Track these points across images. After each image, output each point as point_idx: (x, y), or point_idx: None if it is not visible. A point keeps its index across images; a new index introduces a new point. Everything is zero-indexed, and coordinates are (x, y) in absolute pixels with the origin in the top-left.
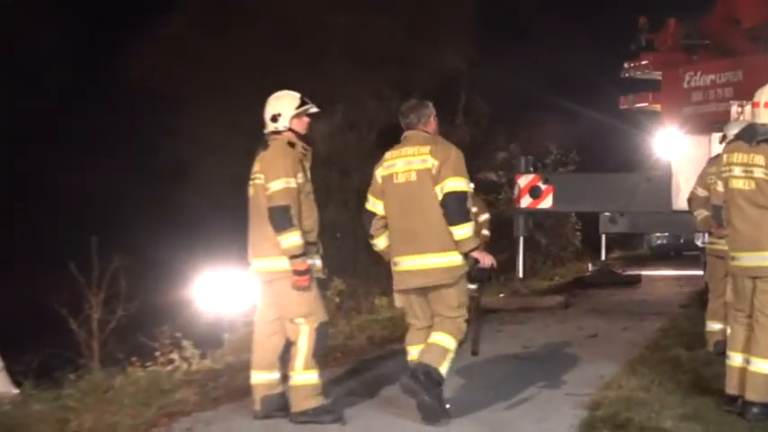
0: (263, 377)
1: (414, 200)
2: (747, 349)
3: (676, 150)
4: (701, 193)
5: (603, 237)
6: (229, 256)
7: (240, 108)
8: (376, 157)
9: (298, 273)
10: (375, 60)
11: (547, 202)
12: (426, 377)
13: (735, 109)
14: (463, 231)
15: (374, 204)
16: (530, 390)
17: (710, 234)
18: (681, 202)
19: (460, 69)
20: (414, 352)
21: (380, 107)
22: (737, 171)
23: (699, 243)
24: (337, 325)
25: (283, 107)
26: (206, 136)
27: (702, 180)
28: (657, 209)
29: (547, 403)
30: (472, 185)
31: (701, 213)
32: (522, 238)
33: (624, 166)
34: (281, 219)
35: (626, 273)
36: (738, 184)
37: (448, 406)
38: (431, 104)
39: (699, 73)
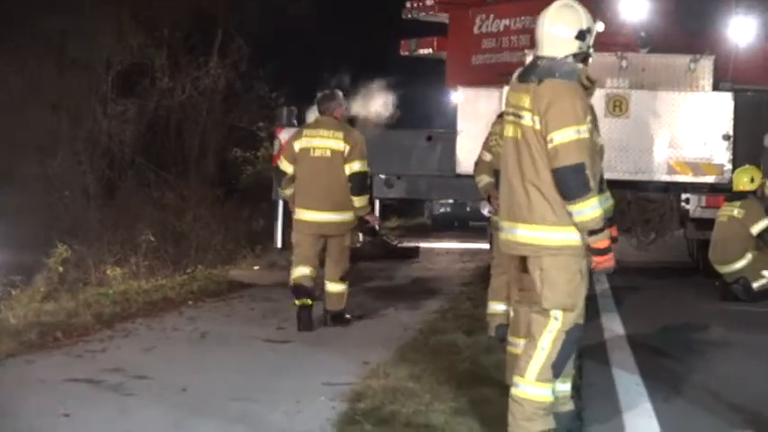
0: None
1: (326, 171)
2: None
3: (463, 106)
4: (486, 156)
5: (378, 202)
6: None
7: None
8: (116, 102)
9: (598, 252)
10: None
11: None
12: (335, 320)
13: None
14: (362, 201)
15: (286, 166)
16: (281, 378)
17: (490, 202)
18: (466, 165)
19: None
20: (300, 270)
21: (120, 45)
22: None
23: (485, 212)
24: (59, 299)
25: (591, 21)
26: None
27: (487, 142)
28: (439, 172)
29: (301, 394)
30: None
31: (483, 180)
32: (281, 202)
33: (410, 121)
34: (575, 182)
35: (402, 245)
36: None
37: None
38: (340, 95)
39: (491, 17)
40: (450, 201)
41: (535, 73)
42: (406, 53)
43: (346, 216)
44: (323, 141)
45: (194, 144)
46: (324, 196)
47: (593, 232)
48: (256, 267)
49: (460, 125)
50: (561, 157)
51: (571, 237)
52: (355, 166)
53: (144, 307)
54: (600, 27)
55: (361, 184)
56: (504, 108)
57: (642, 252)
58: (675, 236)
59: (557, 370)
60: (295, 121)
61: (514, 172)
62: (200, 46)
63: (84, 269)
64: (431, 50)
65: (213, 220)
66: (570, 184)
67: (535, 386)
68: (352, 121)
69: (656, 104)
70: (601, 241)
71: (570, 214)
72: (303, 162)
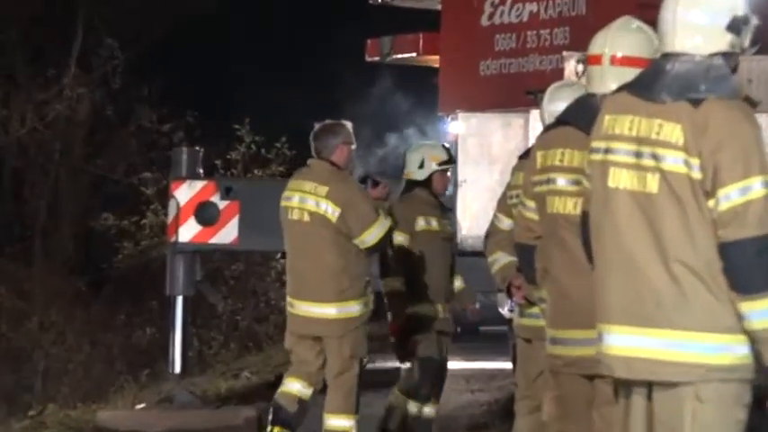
0: None
1: (306, 242)
2: None
3: (466, 142)
4: (503, 223)
5: None
6: None
7: None
8: None
9: None
10: None
11: (228, 233)
12: None
13: (572, 65)
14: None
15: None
16: None
17: (511, 296)
18: (471, 238)
19: None
20: (289, 385)
21: None
22: (562, 182)
23: (504, 311)
24: None
25: (747, 7)
26: None
27: (504, 201)
28: None
29: None
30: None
31: (498, 260)
32: (181, 300)
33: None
34: (760, 265)
35: (372, 365)
36: (617, 180)
37: None
38: (343, 130)
39: (509, 1)
40: None
41: (666, 84)
42: (376, 58)
43: (348, 309)
44: (303, 199)
45: (41, 206)
46: (312, 279)
47: None
48: (140, 405)
49: (462, 173)
50: (740, 225)
51: (745, 350)
52: (369, 240)
53: None
54: (755, 20)
55: (382, 248)
56: (596, 141)
57: None
58: None
59: None
60: (200, 170)
61: (642, 245)
62: (49, 50)
63: None
64: (414, 54)
65: (71, 329)
66: (753, 267)
67: None
68: (371, 181)
69: None
70: None
71: (742, 316)
72: (284, 227)
